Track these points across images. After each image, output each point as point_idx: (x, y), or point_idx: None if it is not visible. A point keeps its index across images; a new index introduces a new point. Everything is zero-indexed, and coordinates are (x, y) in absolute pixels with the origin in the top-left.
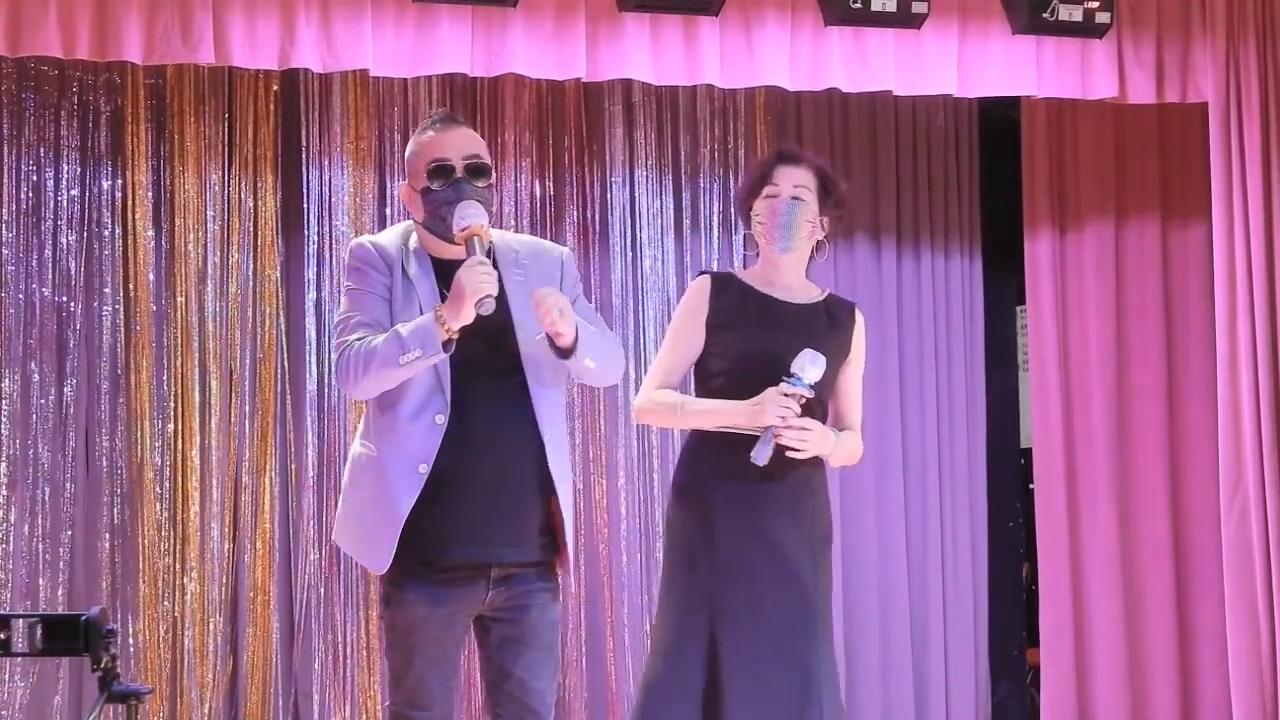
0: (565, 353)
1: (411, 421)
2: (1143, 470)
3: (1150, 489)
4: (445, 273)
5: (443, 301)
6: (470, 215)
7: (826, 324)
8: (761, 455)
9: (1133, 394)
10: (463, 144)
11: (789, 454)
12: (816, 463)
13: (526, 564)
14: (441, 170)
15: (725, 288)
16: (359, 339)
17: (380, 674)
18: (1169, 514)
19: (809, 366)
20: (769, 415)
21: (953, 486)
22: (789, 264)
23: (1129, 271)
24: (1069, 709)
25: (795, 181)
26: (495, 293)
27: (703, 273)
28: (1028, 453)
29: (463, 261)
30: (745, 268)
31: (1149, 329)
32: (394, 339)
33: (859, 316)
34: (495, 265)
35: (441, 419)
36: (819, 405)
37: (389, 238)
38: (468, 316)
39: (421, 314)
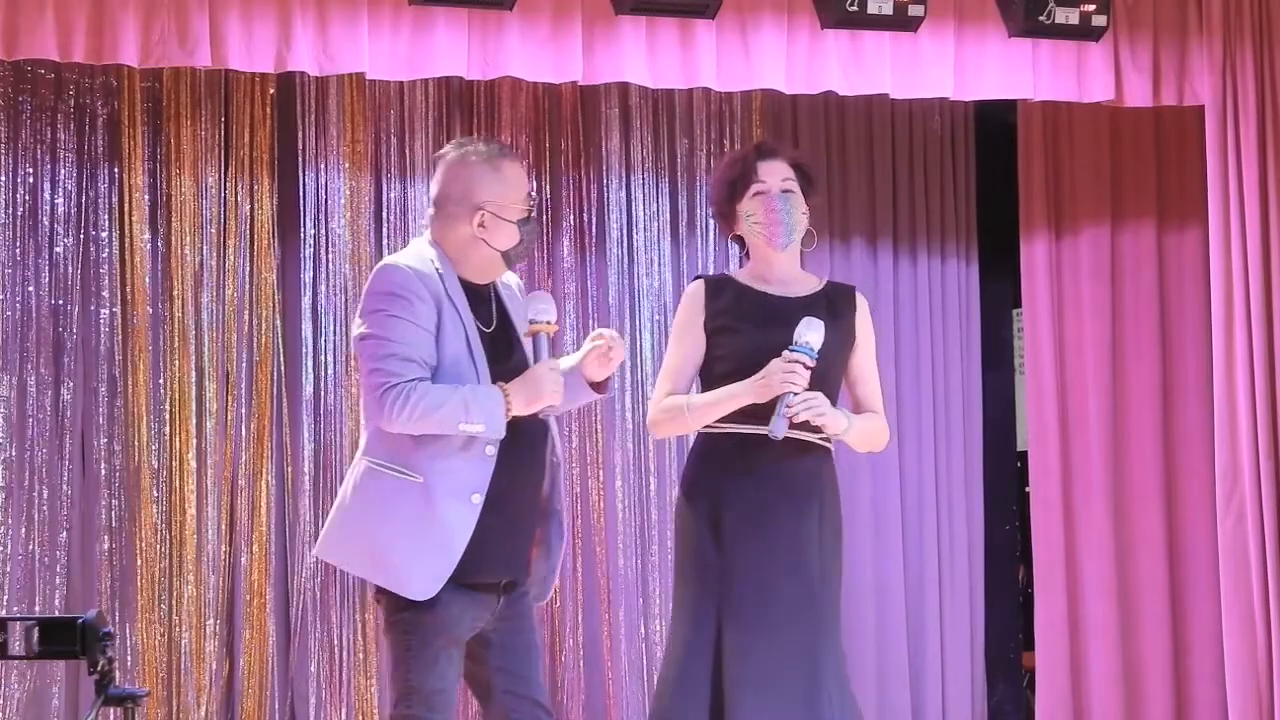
0: (601, 388)
1: (464, 452)
2: (1138, 472)
3: (1146, 491)
4: (475, 300)
5: (479, 334)
6: (547, 311)
7: (827, 314)
8: (778, 429)
9: (1128, 396)
10: None
11: (812, 423)
12: (824, 459)
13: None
14: (532, 208)
15: (720, 290)
16: (415, 381)
17: (378, 676)
18: (1164, 516)
19: (808, 332)
20: (777, 384)
21: (949, 489)
22: (784, 259)
23: (1125, 274)
24: (1064, 711)
25: (781, 175)
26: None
27: (697, 277)
28: (1024, 455)
29: (485, 289)
30: (740, 268)
31: (1145, 331)
32: (459, 406)
33: (859, 299)
34: (502, 303)
35: (492, 450)
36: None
37: (422, 264)
38: (531, 411)
39: (464, 346)
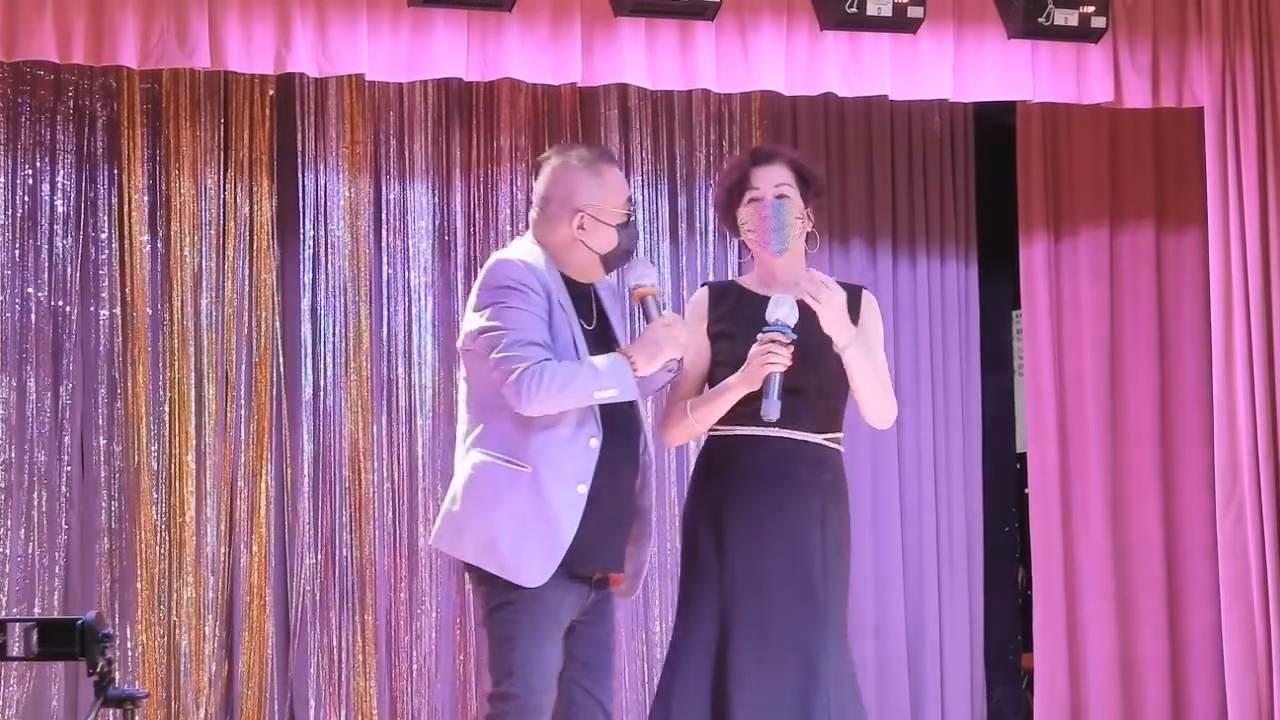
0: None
1: (569, 443)
2: (1138, 474)
3: (1145, 493)
4: (577, 297)
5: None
6: (650, 274)
7: None
8: (771, 410)
9: (1128, 398)
10: None
11: (816, 303)
12: (829, 464)
13: None
14: (631, 213)
15: (723, 297)
16: (544, 361)
17: (377, 678)
18: (1164, 518)
19: (777, 310)
20: (758, 367)
21: (948, 490)
22: (785, 263)
23: (1124, 275)
24: (1063, 712)
25: (775, 180)
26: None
27: (703, 285)
28: (1023, 457)
29: (589, 287)
30: (742, 273)
31: (1144, 333)
32: (590, 373)
33: (865, 296)
34: (601, 303)
35: (595, 442)
36: (822, 399)
37: (535, 258)
38: (655, 368)
39: (570, 339)
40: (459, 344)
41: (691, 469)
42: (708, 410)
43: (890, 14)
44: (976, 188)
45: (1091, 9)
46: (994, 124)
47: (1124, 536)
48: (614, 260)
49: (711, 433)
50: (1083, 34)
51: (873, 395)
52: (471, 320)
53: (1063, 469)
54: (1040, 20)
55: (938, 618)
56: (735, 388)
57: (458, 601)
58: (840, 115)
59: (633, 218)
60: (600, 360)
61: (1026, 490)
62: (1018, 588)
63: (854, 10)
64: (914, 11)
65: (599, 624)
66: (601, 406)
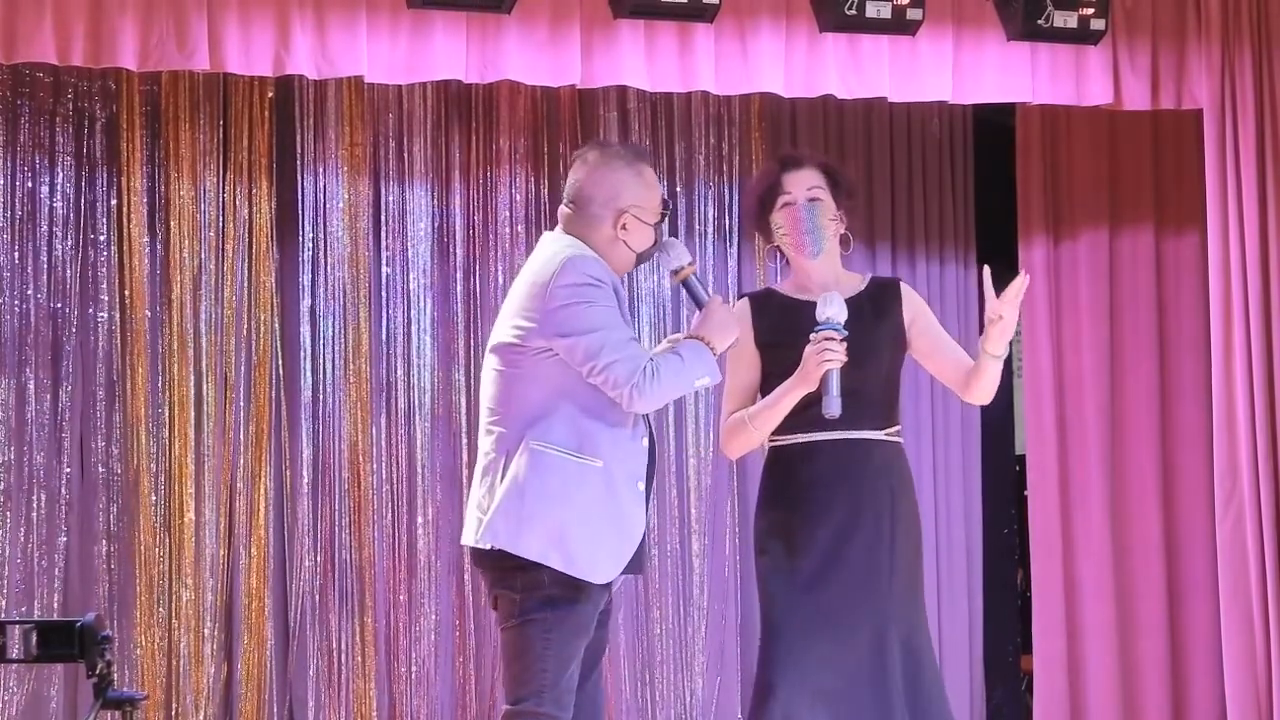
0: None
1: (632, 440)
2: (1137, 476)
3: (1145, 495)
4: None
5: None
6: (686, 254)
7: (871, 314)
8: (832, 406)
9: (1127, 399)
10: None
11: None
12: (891, 455)
13: None
14: (667, 212)
15: (765, 306)
16: (651, 358)
17: (376, 679)
18: (1163, 520)
19: (826, 309)
20: (814, 368)
21: (947, 492)
22: (821, 266)
23: (1123, 277)
24: (1063, 713)
25: (807, 184)
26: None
27: (742, 295)
28: (1022, 459)
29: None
30: (782, 279)
31: (1143, 334)
32: (687, 365)
33: (904, 289)
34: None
35: (647, 441)
36: (879, 396)
37: (598, 259)
38: (726, 347)
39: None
40: (513, 336)
41: (758, 485)
42: (767, 416)
43: (889, 16)
44: (975, 189)
45: (1090, 11)
46: (993, 125)
47: (1124, 537)
48: (647, 256)
49: (771, 443)
50: (1082, 36)
51: (992, 388)
52: (558, 322)
53: (1062, 470)
54: (1039, 22)
55: (937, 619)
56: (792, 390)
57: (457, 603)
58: (839, 117)
59: (666, 217)
60: (685, 349)
61: (1025, 492)
62: (1017, 589)
63: (853, 12)
64: (913, 14)
65: (604, 625)
66: None
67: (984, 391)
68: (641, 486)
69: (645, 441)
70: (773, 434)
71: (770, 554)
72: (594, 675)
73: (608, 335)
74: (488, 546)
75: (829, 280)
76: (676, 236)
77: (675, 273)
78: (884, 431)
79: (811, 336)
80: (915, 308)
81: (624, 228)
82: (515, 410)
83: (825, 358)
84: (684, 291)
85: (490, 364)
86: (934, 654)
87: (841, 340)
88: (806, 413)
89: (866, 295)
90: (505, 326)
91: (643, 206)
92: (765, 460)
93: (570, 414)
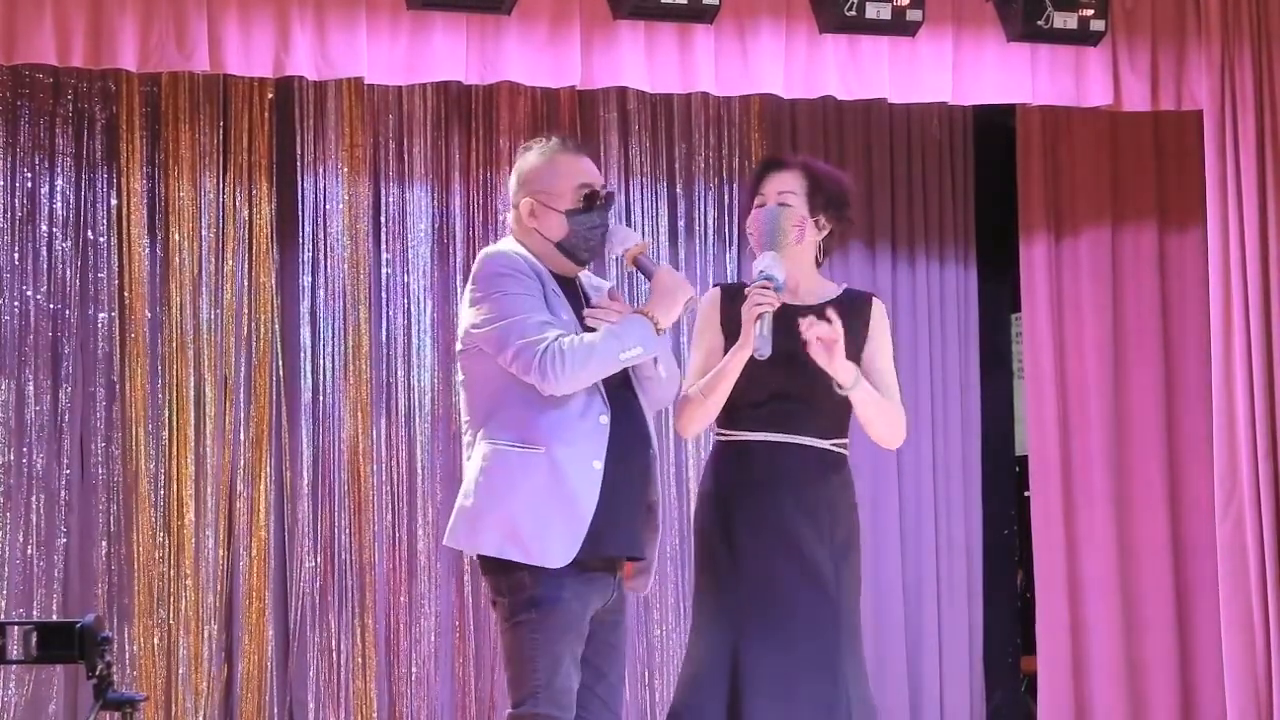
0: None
1: (581, 420)
2: (1139, 476)
3: (1146, 495)
4: (566, 290)
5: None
6: (631, 236)
7: (841, 321)
8: (763, 347)
9: (1129, 400)
10: (597, 173)
11: (813, 346)
12: (836, 467)
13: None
14: (592, 196)
15: (735, 295)
16: (560, 335)
17: (376, 680)
18: (1166, 519)
19: (760, 264)
20: (748, 311)
21: (948, 493)
22: (793, 269)
23: (1124, 278)
24: (1067, 714)
25: (780, 187)
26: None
27: (715, 285)
28: (1022, 460)
29: (573, 280)
30: (743, 276)
31: (1144, 335)
32: (612, 339)
33: (875, 303)
34: (588, 297)
35: (605, 419)
36: (822, 405)
37: (517, 248)
38: (676, 315)
39: (572, 319)
40: (458, 346)
41: (700, 471)
42: (715, 382)
43: (889, 17)
44: (976, 190)
45: (1090, 12)
46: (993, 126)
47: (1127, 538)
48: (572, 248)
49: (717, 435)
50: (1082, 37)
51: (883, 426)
52: (470, 315)
53: (1063, 471)
54: (1039, 23)
55: (937, 621)
56: (737, 353)
57: (457, 604)
58: (839, 118)
59: (593, 205)
60: (621, 324)
61: (1026, 493)
62: (1017, 591)
63: (853, 13)
64: (913, 15)
65: (614, 629)
66: (607, 388)
67: (871, 428)
68: (598, 465)
69: (603, 419)
70: (720, 427)
71: (712, 566)
72: (609, 678)
73: (514, 322)
74: (453, 546)
75: (799, 285)
76: (676, 239)
77: (624, 254)
78: (829, 441)
79: (745, 291)
80: (878, 328)
81: (532, 214)
82: (472, 413)
83: (756, 301)
84: (635, 272)
85: (456, 373)
86: (863, 670)
87: (776, 290)
88: (755, 410)
89: (838, 303)
90: (458, 334)
91: (549, 192)
92: (710, 454)
93: (510, 407)
